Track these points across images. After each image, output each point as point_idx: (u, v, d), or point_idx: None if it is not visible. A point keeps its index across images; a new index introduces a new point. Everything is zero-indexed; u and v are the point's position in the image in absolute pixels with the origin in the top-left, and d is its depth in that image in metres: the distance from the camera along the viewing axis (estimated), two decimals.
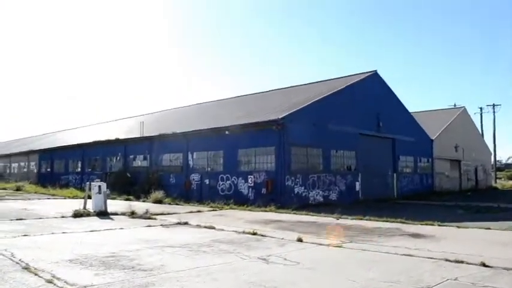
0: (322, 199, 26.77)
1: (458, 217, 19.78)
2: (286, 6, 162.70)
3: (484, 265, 8.23)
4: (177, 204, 24.92)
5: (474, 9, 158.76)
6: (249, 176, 26.29)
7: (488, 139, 65.81)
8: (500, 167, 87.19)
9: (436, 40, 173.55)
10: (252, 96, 41.53)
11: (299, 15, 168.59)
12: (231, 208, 22.23)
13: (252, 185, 26.03)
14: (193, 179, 30.32)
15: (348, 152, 29.80)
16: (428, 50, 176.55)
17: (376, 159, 33.21)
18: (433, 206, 26.88)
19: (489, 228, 13.85)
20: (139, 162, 36.26)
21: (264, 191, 25.14)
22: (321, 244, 10.89)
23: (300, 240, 11.39)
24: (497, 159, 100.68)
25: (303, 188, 25.50)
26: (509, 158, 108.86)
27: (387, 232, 13.41)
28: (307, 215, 18.84)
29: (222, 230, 13.73)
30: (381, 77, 34.56)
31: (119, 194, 29.78)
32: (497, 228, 13.95)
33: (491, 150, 64.12)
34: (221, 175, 28.19)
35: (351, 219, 16.93)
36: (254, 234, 12.59)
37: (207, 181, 29.17)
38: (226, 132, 27.80)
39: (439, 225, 14.70)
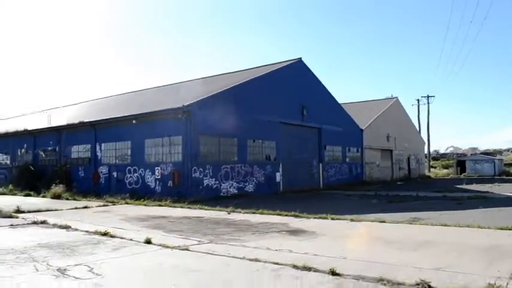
0: (236, 191, 25.08)
1: (368, 207, 18.73)
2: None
3: (332, 273, 6.59)
4: (75, 199, 22.42)
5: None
6: (156, 168, 24.21)
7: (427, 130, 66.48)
8: (437, 157, 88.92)
9: (377, 35, 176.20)
10: (174, 86, 39.20)
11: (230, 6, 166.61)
12: (126, 203, 20.15)
13: (159, 177, 23.98)
14: (102, 172, 27.89)
15: (268, 141, 28.23)
16: (369, 45, 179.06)
17: (301, 149, 31.92)
18: (352, 195, 25.82)
19: (384, 222, 12.48)
20: (48, 154, 33.30)
21: (170, 183, 23.15)
22: (167, 247, 9.04)
23: (148, 241, 9.52)
24: (435, 149, 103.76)
25: (213, 179, 23.69)
26: (448, 148, 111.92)
27: (268, 228, 11.80)
28: (201, 209, 17.04)
29: (76, 229, 11.67)
30: (305, 65, 33.17)
31: (22, 190, 27.05)
32: (393, 221, 12.62)
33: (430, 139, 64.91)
34: (129, 167, 25.95)
35: (244, 213, 15.31)
36: (104, 234, 10.63)
37: (115, 174, 26.84)
38: (134, 122, 25.53)
39: (332, 219, 13.22)
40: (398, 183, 41.76)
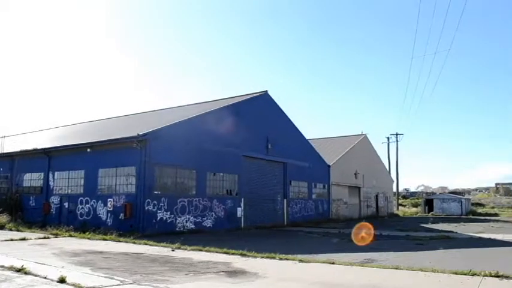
0: (193, 226, 23.93)
1: (326, 246, 18.00)
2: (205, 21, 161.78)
3: None
4: (18, 230, 21.07)
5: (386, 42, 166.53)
6: (108, 200, 22.96)
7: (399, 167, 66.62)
8: (406, 195, 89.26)
9: (351, 69, 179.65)
10: (137, 115, 38.19)
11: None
12: (70, 235, 18.86)
13: (111, 209, 22.72)
14: (53, 202, 26.40)
15: (229, 175, 27.31)
16: (336, 79, 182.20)
17: (265, 183, 31.09)
18: (315, 233, 24.94)
19: (333, 263, 11.62)
20: (0, 182, 31.61)
21: (122, 216, 21.90)
22: (80, 287, 8.00)
23: (61, 281, 8.47)
24: (406, 187, 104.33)
25: (168, 213, 22.52)
26: (418, 187, 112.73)
27: (207, 268, 10.83)
28: (146, 244, 15.87)
29: None
30: (271, 98, 32.73)
31: None
32: (344, 263, 11.75)
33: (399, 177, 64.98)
34: (81, 198, 24.59)
35: (189, 250, 14.34)
36: (18, 271, 9.57)
37: (66, 204, 25.40)
38: (88, 150, 24.38)
39: (280, 259, 12.32)
40: (364, 221, 41.10)
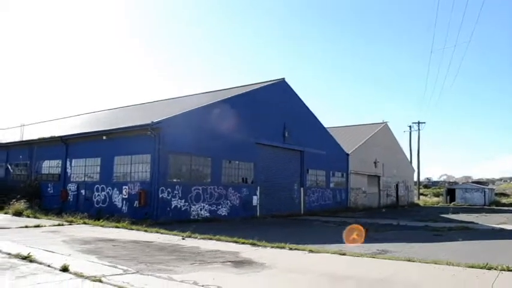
0: (208, 214, 23.84)
1: (339, 236, 17.54)
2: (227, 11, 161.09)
3: None
4: (36, 217, 21.27)
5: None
6: (123, 187, 23.01)
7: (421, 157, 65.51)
8: (428, 184, 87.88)
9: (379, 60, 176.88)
10: (154, 104, 38.18)
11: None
12: (84, 223, 18.93)
13: (126, 196, 22.77)
14: (70, 189, 26.61)
15: (245, 163, 27.09)
16: (359, 68, 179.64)
17: (281, 172, 30.80)
18: (330, 222, 24.57)
19: (344, 254, 11.31)
20: (19, 169, 32.07)
21: (136, 203, 21.93)
22: (80, 276, 7.90)
23: (64, 269, 8.35)
24: (428, 177, 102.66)
25: (183, 201, 22.45)
26: (441, 176, 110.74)
27: (214, 257, 10.65)
28: (157, 232, 15.76)
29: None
30: (289, 86, 32.26)
31: None
32: (355, 254, 11.42)
33: (422, 166, 63.96)
34: (97, 185, 24.71)
35: (199, 238, 14.16)
36: (24, 258, 9.48)
37: (83, 192, 25.58)
38: (104, 138, 24.44)
39: (290, 249, 12.08)
40: (384, 210, 40.62)
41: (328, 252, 11.57)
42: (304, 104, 34.01)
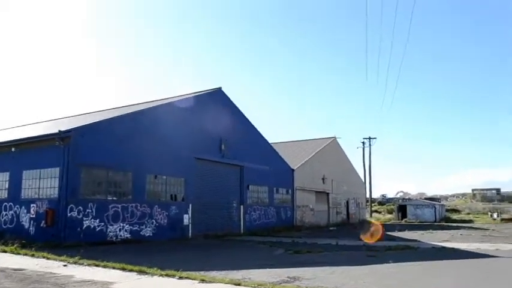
0: (129, 235, 21.55)
1: (261, 260, 15.87)
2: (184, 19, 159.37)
3: None
4: None
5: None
6: (32, 205, 20.48)
7: (375, 173, 64.93)
8: (382, 201, 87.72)
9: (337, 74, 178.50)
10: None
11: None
12: None
13: (34, 216, 20.25)
14: None
15: (175, 178, 24.99)
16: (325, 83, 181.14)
17: (218, 188, 28.84)
18: (266, 243, 22.75)
19: (239, 284, 9.47)
20: None
21: (43, 223, 19.48)
22: None
23: None
24: (383, 193, 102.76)
25: (97, 220, 20.10)
26: (397, 193, 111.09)
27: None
28: (44, 257, 13.60)
29: None
30: (226, 95, 30.48)
31: None
32: (253, 284, 9.57)
33: (374, 182, 63.36)
34: (4, 203, 22.05)
35: (86, 265, 12.14)
36: None
37: None
38: (13, 149, 21.94)
39: (180, 277, 10.21)
40: (331, 228, 39.20)
41: (222, 282, 9.73)
42: (244, 116, 32.34)
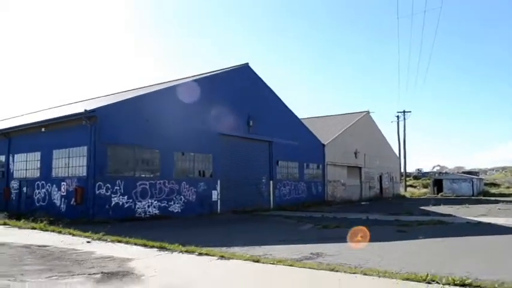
0: (157, 211, 21.74)
1: (286, 235, 15.66)
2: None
3: None
4: None
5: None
6: (62, 183, 20.89)
7: (411, 148, 63.48)
8: (418, 176, 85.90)
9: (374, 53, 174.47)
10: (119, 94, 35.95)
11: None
12: (4, 223, 16.86)
13: (65, 194, 20.66)
14: (13, 187, 24.50)
15: (202, 154, 24.96)
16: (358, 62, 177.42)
17: (247, 164, 28.67)
18: (292, 218, 22.52)
19: (258, 261, 9.24)
20: None
21: (73, 201, 19.82)
22: None
23: None
24: (419, 167, 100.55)
25: (125, 197, 20.31)
26: (434, 167, 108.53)
27: (92, 266, 8.63)
28: (70, 233, 13.75)
29: None
30: (253, 71, 29.97)
31: None
32: (270, 261, 9.31)
33: (409, 157, 62.09)
34: (37, 182, 22.60)
35: (109, 241, 12.15)
36: None
37: (24, 189, 23.47)
38: (43, 130, 22.32)
39: (199, 253, 10.04)
40: (363, 203, 38.62)
41: (240, 259, 9.49)
42: (273, 92, 31.85)
